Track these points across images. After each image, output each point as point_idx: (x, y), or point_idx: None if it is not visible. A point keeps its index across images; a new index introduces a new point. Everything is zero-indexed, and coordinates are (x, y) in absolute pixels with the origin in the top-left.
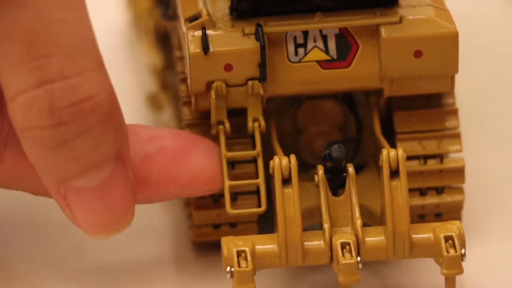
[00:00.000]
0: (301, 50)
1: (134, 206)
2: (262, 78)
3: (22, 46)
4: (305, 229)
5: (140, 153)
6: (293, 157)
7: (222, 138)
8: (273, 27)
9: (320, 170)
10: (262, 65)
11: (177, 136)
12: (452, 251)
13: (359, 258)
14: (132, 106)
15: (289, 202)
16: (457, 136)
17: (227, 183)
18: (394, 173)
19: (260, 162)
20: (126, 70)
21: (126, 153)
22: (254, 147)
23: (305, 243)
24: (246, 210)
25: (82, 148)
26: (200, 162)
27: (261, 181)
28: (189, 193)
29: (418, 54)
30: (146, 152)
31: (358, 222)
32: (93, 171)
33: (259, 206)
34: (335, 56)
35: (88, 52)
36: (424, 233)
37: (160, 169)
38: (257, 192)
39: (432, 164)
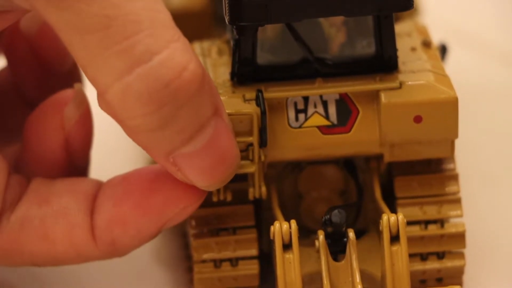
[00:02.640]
0: (301, 116)
1: (238, 149)
2: (263, 144)
3: (101, 33)
4: None
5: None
6: (293, 222)
7: None
8: (273, 93)
9: (321, 235)
10: (263, 131)
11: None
12: None
13: None
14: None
15: (290, 267)
16: (457, 201)
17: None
18: (395, 238)
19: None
20: None
21: (220, 103)
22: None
23: None
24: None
25: (185, 119)
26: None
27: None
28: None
29: (418, 119)
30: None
31: (359, 287)
32: (198, 135)
33: (260, 273)
34: (335, 122)
35: (166, 22)
36: None
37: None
38: (258, 257)
39: (432, 229)
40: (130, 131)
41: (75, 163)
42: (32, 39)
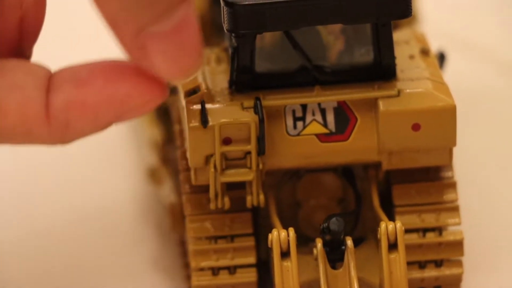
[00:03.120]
0: (299, 124)
1: (202, 48)
2: (261, 152)
3: None
4: None
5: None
6: (291, 230)
7: None
8: (271, 101)
9: (319, 243)
10: (261, 139)
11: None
12: None
13: None
14: (132, 180)
15: (288, 275)
16: (455, 209)
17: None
18: (393, 246)
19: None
20: (126, 145)
21: None
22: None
23: None
24: (235, 178)
25: None
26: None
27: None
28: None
29: (416, 127)
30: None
31: None
32: (168, 13)
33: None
34: (333, 130)
35: None
36: None
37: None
38: (256, 265)
39: (431, 237)
40: None
41: (22, 48)
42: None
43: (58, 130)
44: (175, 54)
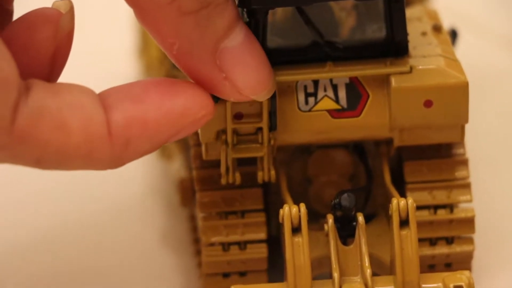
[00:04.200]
0: (311, 99)
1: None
2: (272, 127)
3: None
4: (314, 278)
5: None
6: (302, 206)
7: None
8: (283, 76)
9: (330, 219)
10: (272, 114)
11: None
12: None
13: None
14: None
15: (299, 251)
16: (467, 186)
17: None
18: (404, 223)
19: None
20: None
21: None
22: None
23: None
24: (246, 154)
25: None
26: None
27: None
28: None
29: (428, 104)
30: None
31: (368, 272)
32: (236, 23)
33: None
34: (345, 106)
35: None
36: (433, 283)
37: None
38: (267, 241)
39: (442, 214)
40: (175, 22)
41: (53, 75)
42: None
43: (119, 148)
44: (253, 66)
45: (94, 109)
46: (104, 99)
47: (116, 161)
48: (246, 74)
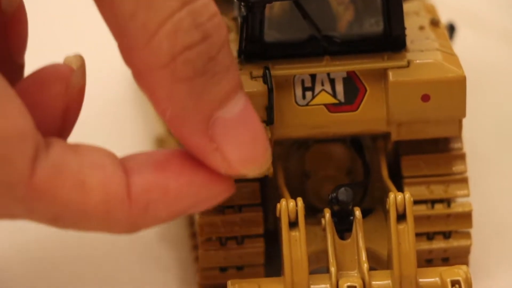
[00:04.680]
0: (308, 94)
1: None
2: (269, 121)
3: None
4: (311, 272)
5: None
6: (300, 200)
7: None
8: (281, 70)
9: (327, 213)
10: (269, 108)
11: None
12: None
13: None
14: (140, 149)
15: (296, 245)
16: (464, 181)
17: None
18: (401, 217)
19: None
20: (134, 114)
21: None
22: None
23: (312, 286)
24: None
25: (223, 65)
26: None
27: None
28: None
29: (425, 98)
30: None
31: (365, 266)
32: (234, 94)
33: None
34: (342, 100)
35: None
36: (430, 277)
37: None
38: (264, 235)
39: (439, 208)
40: (176, 78)
41: (64, 131)
42: (7, 18)
43: (137, 212)
44: (246, 140)
45: (114, 170)
46: (125, 162)
47: (132, 225)
48: (238, 148)
